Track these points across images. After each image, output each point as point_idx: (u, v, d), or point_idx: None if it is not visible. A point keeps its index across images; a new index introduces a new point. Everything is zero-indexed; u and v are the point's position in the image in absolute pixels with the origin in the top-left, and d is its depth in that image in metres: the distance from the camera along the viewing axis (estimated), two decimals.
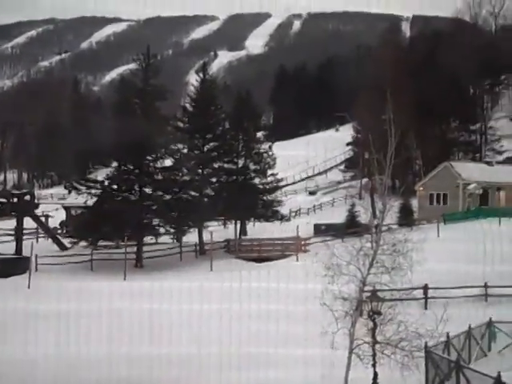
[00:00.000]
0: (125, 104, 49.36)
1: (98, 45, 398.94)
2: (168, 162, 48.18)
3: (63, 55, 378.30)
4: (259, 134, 58.36)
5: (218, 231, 50.59)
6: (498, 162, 73.94)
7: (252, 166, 53.29)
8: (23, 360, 21.35)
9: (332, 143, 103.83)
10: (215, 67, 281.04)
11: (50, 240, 49.77)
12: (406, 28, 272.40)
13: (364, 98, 70.31)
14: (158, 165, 47.15)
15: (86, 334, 23.59)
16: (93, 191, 46.00)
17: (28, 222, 47.93)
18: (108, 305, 27.63)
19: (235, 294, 29.38)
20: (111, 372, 20.06)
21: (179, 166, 48.40)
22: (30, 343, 22.78)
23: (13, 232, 47.60)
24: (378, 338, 18.11)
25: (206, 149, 51.73)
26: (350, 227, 44.63)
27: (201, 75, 55.70)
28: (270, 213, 51.91)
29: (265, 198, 52.61)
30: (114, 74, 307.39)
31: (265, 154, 53.70)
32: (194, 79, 68.16)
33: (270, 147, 54.77)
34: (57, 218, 61.75)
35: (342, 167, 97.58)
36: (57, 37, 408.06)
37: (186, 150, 51.72)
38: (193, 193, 48.28)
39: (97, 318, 25.88)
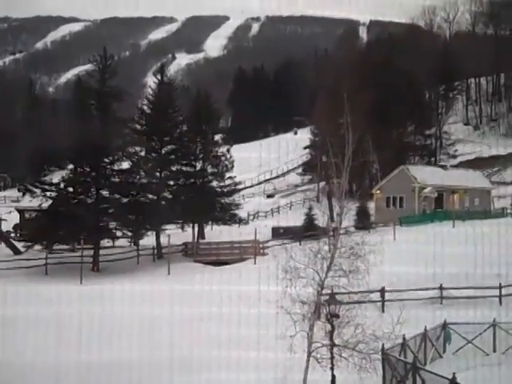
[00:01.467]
0: (81, 105, 48.84)
1: (53, 45, 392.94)
2: (125, 165, 47.71)
3: (17, 55, 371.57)
4: (217, 137, 58.26)
5: (176, 234, 50.30)
6: (453, 166, 75.46)
7: (210, 169, 53.15)
8: None
9: (290, 146, 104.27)
10: (173, 69, 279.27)
11: (2, 244, 48.79)
12: (363, 33, 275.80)
13: (321, 102, 70.84)
14: (115, 167, 46.60)
15: (39, 340, 23.15)
16: (48, 194, 45.24)
17: None
18: (62, 309, 27.17)
19: (193, 298, 29.23)
20: (61, 378, 19.73)
21: (136, 169, 48.00)
22: None
23: None
24: (336, 341, 18.20)
25: (163, 151, 51.39)
26: (308, 230, 44.86)
27: (159, 77, 55.42)
28: (228, 216, 51.81)
29: (223, 200, 52.48)
30: (69, 75, 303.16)
31: (223, 157, 53.59)
32: (151, 81, 67.70)
33: (228, 150, 54.70)
34: (10, 221, 60.56)
35: (299, 170, 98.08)
36: (11, 36, 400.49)
37: (143, 153, 51.35)
38: (150, 196, 47.96)
39: (49, 324, 25.40)
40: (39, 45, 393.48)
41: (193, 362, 21.07)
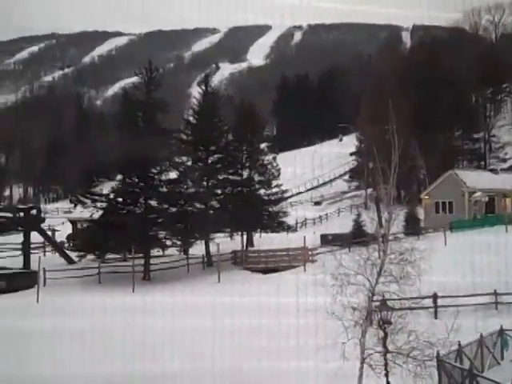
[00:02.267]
0: (127, 117, 49.56)
1: (100, 59, 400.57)
2: (173, 175, 48.23)
3: (66, 70, 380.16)
4: (263, 146, 58.36)
5: (225, 243, 50.55)
6: (503, 170, 73.94)
7: (257, 178, 53.23)
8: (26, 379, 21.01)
9: (336, 153, 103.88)
10: (217, 79, 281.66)
11: (57, 254, 49.80)
12: (406, 37, 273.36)
13: (366, 108, 70.42)
14: (163, 177, 47.16)
15: (91, 350, 23.41)
16: (98, 204, 45.99)
17: (35, 237, 47.92)
18: (115, 320, 27.33)
19: (242, 307, 29.13)
20: None
21: (184, 179, 48.42)
22: (37, 360, 22.61)
23: (20, 246, 47.70)
24: (390, 348, 18.04)
25: (210, 161, 51.74)
26: (357, 237, 44.54)
27: (203, 88, 55.85)
28: (276, 223, 51.83)
29: (270, 209, 52.53)
30: (116, 88, 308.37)
31: (269, 166, 53.65)
32: (196, 92, 68.34)
33: (274, 158, 54.79)
34: (63, 231, 61.73)
35: (346, 177, 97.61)
36: (59, 52, 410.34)
37: (190, 163, 51.76)
38: (198, 205, 48.26)
39: (102, 334, 25.68)
40: (86, 59, 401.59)
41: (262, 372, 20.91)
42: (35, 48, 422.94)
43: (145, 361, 22.35)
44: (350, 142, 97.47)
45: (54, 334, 25.66)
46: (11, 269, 43.00)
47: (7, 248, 51.29)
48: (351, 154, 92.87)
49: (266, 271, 44.01)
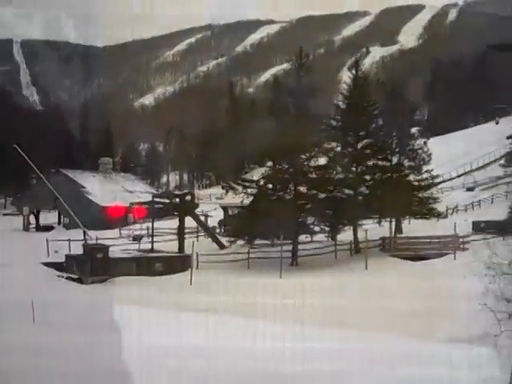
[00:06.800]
0: (278, 104, 50.24)
1: (252, 47, 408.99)
2: (322, 161, 48.34)
3: (220, 59, 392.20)
4: (414, 130, 56.92)
5: (373, 229, 50.00)
6: None
7: (406, 163, 52.07)
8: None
9: (491, 137, 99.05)
10: (367, 63, 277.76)
11: (209, 239, 51.68)
12: None
13: None
14: (312, 163, 47.40)
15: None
16: (249, 191, 47.15)
17: (189, 222, 49.98)
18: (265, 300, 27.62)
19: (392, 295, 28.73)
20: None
21: (333, 165, 48.38)
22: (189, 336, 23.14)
23: (175, 231, 50.07)
24: None
25: (359, 146, 51.19)
26: None
27: (353, 72, 55.28)
28: (426, 210, 50.48)
29: (420, 194, 51.24)
30: (267, 75, 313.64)
31: (419, 150, 52.31)
32: (346, 76, 67.88)
33: (425, 143, 53.27)
34: (215, 217, 63.81)
35: (502, 162, 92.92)
36: (214, 42, 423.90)
37: (339, 148, 51.59)
38: (347, 191, 48.08)
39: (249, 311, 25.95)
40: (239, 48, 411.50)
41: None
42: (192, 40, 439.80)
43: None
44: (506, 125, 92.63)
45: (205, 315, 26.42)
46: (167, 252, 45.32)
47: (163, 232, 54.08)
48: (508, 138, 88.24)
49: (415, 259, 43.14)
